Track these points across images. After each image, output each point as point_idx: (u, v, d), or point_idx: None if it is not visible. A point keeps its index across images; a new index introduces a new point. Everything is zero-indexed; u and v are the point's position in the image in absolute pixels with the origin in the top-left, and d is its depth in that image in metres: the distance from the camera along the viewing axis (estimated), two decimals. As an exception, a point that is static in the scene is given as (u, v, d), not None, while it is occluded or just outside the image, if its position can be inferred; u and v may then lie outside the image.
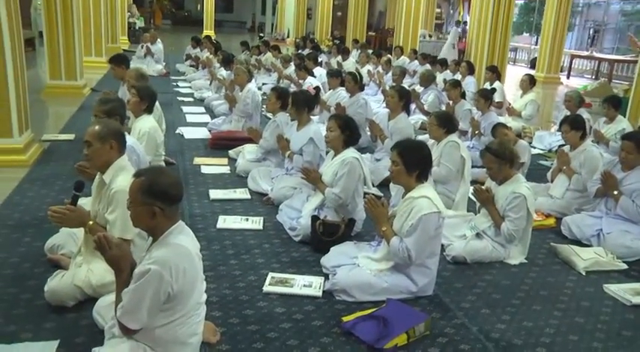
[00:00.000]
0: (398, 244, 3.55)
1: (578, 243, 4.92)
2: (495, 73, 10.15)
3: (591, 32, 27.99)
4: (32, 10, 18.63)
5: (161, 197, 2.51)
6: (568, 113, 7.59)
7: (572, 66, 20.67)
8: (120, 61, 6.89)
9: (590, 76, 20.28)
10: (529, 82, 9.35)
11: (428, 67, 12.63)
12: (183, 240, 2.56)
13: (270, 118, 6.38)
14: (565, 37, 18.24)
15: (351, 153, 4.62)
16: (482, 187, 4.55)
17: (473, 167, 6.28)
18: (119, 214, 3.17)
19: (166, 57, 15.72)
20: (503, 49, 13.29)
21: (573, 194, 5.55)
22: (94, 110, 4.35)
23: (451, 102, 8.04)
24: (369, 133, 6.93)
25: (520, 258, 4.49)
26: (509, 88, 14.06)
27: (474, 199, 4.74)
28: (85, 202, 4.00)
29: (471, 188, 5.00)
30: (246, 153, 6.55)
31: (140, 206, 2.52)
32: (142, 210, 2.52)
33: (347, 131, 4.62)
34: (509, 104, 9.80)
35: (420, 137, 7.51)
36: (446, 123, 5.34)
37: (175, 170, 6.36)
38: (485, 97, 7.33)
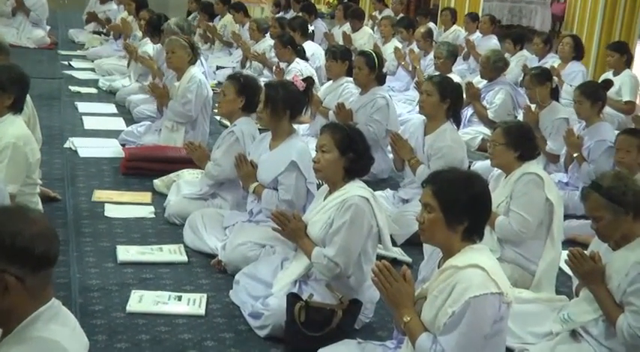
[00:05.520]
0: (429, 346, 3.54)
1: None
2: (626, 54, 10.18)
3: None
4: None
5: (18, 258, 2.51)
6: None
7: None
8: None
9: None
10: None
11: (496, 43, 12.70)
12: (56, 331, 2.56)
13: (225, 126, 6.41)
14: None
15: (356, 189, 4.65)
16: (585, 252, 4.54)
17: (568, 217, 6.30)
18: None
19: (52, 17, 15.78)
20: (632, 13, 13.25)
21: None
22: None
23: (534, 105, 8.07)
24: (390, 156, 6.98)
25: (648, 376, 4.48)
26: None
27: (569, 272, 4.75)
28: None
29: (565, 253, 5.00)
30: (184, 185, 6.58)
31: (-20, 275, 2.53)
32: (-15, 282, 2.52)
33: (350, 152, 4.65)
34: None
35: (479, 164, 7.56)
36: (520, 141, 5.36)
37: (59, 210, 6.40)
38: (594, 97, 7.34)
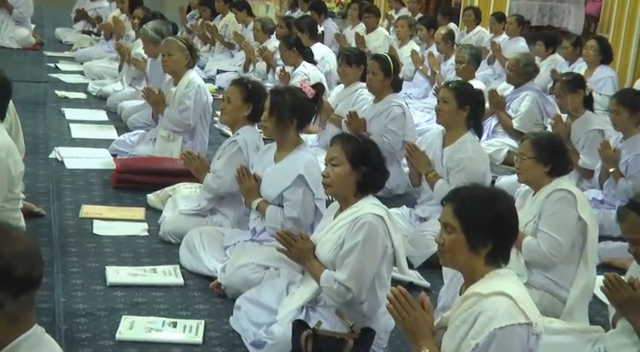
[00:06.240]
0: (451, 383, 3.53)
1: None
2: None
3: None
4: None
5: (-3, 281, 2.52)
6: None
7: None
8: None
9: None
10: None
11: (524, 46, 12.68)
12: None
13: (226, 135, 6.38)
14: None
15: (369, 206, 4.64)
16: (622, 278, 4.51)
17: (604, 238, 6.29)
18: None
19: (37, 14, 15.80)
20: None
21: None
22: None
23: (565, 115, 8.05)
24: (406, 170, 6.98)
25: None
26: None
27: (605, 300, 4.73)
28: None
29: (600, 278, 4.98)
30: (180, 200, 6.58)
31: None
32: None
33: (362, 166, 4.64)
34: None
35: (504, 179, 7.54)
36: (551, 155, 5.34)
37: (43, 227, 6.40)
38: (633, 106, 7.29)
